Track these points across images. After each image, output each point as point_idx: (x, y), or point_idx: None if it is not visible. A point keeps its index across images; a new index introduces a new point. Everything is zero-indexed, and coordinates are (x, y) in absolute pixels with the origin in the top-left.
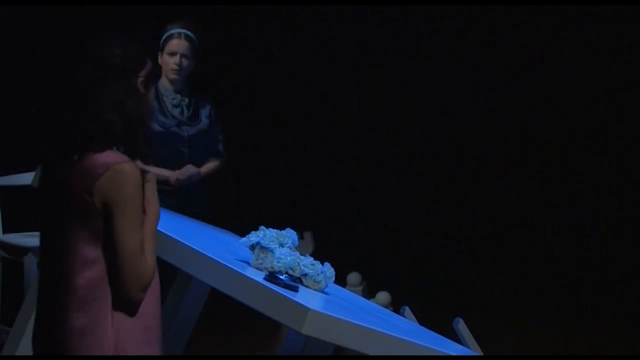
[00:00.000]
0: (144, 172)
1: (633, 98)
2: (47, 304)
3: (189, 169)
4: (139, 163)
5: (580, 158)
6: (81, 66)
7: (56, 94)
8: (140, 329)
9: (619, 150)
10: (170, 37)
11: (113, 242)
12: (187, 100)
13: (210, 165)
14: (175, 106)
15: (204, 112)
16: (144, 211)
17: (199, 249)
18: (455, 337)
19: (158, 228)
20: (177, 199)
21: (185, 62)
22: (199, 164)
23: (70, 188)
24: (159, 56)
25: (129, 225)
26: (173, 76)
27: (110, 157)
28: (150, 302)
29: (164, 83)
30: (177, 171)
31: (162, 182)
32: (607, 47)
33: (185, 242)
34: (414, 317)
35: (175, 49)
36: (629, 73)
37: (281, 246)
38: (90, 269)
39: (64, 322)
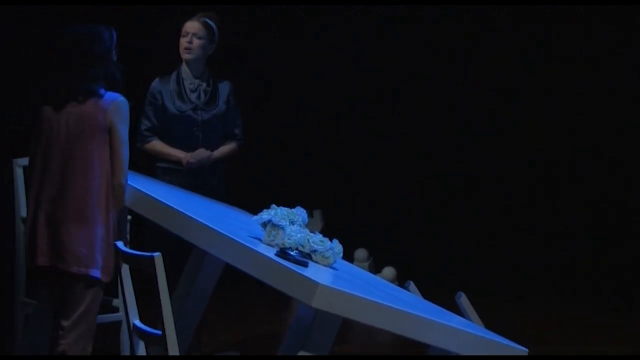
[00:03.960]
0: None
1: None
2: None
3: (200, 153)
4: (157, 143)
5: (580, 155)
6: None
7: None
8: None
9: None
10: (186, 20)
11: (115, 147)
12: (205, 84)
13: (225, 149)
14: (192, 91)
15: (222, 97)
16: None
17: (213, 227)
18: (458, 310)
19: (177, 207)
20: (190, 178)
21: (197, 41)
22: (212, 148)
23: (94, 117)
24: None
25: (125, 134)
26: (185, 56)
27: (112, 95)
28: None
29: (185, 67)
30: (189, 154)
31: (175, 162)
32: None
33: (201, 220)
34: (418, 292)
35: (187, 30)
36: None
37: (292, 224)
38: (102, 166)
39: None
